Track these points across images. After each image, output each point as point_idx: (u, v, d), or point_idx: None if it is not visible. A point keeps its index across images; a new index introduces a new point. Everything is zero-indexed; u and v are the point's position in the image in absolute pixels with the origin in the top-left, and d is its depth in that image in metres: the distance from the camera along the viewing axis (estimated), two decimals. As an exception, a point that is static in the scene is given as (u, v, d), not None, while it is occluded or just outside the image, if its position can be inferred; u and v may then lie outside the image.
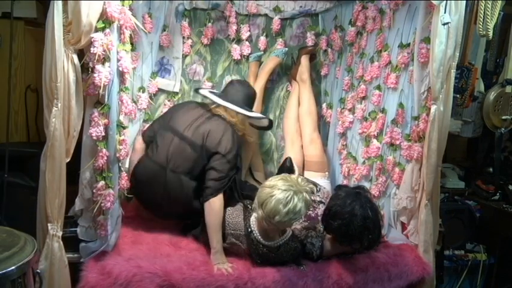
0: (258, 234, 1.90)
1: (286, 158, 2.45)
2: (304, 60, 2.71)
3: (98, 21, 1.66)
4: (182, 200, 2.08)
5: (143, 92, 2.45)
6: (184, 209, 2.11)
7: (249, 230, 1.92)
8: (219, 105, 2.16)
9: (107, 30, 1.70)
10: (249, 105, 2.25)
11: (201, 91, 2.34)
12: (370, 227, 1.89)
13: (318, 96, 2.85)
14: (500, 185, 2.90)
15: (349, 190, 2.01)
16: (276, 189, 1.77)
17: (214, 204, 1.95)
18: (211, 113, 2.17)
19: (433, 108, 1.98)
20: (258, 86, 2.61)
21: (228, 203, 2.06)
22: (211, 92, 2.30)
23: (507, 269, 2.77)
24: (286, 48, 2.74)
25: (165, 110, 2.56)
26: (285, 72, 2.84)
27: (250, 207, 2.01)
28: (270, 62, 2.69)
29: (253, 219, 1.94)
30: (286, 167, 2.37)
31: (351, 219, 1.87)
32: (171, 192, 2.07)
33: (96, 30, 1.68)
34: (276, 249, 1.89)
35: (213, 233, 1.94)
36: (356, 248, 1.97)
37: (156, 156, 2.09)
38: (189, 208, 2.09)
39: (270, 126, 2.41)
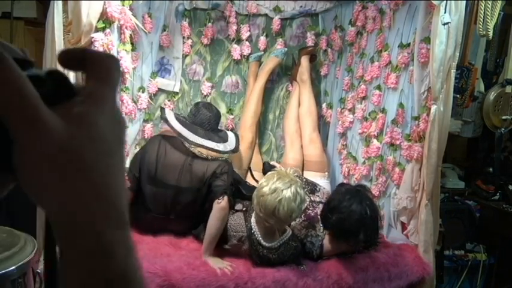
0: (259, 235, 1.90)
1: (264, 163, 2.40)
2: (304, 61, 2.72)
3: (98, 21, 1.67)
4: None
5: (143, 92, 2.45)
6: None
7: (250, 230, 1.92)
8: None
9: (107, 30, 1.71)
10: (216, 125, 2.25)
11: (172, 124, 2.13)
12: (367, 223, 1.89)
13: (318, 96, 2.85)
14: (500, 185, 2.90)
15: (350, 187, 2.03)
16: (279, 192, 1.77)
17: (223, 205, 1.96)
18: (191, 152, 2.12)
19: (433, 108, 1.98)
20: (258, 86, 2.61)
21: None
22: (177, 118, 2.18)
23: (507, 269, 2.77)
24: (286, 49, 2.74)
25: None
26: (284, 72, 2.84)
27: (250, 207, 2.02)
28: (270, 62, 2.69)
29: (253, 220, 1.94)
30: (267, 170, 2.34)
31: (349, 214, 1.87)
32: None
33: (97, 30, 1.68)
34: (276, 249, 1.89)
35: (214, 236, 1.94)
36: (352, 244, 1.97)
37: (155, 211, 2.11)
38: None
39: (235, 151, 2.28)
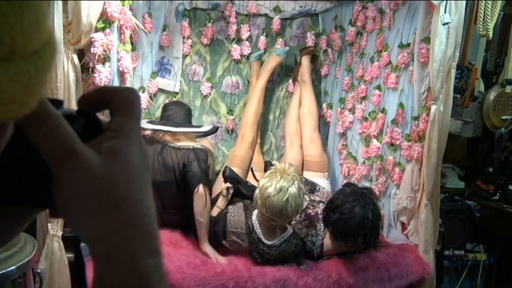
0: (260, 233, 1.90)
1: (266, 163, 2.37)
2: (305, 61, 2.71)
3: (98, 21, 1.67)
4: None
5: (143, 91, 2.45)
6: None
7: (251, 228, 1.93)
8: (165, 133, 2.13)
9: (107, 30, 1.71)
10: (189, 121, 2.26)
11: (145, 126, 2.18)
12: (367, 227, 1.89)
13: (318, 96, 2.85)
14: (500, 185, 2.90)
15: (356, 189, 2.02)
16: (285, 190, 1.78)
17: (203, 193, 1.97)
18: (161, 143, 2.13)
19: (433, 108, 1.98)
20: (259, 85, 2.61)
21: (229, 202, 2.07)
22: (151, 121, 2.26)
23: (507, 269, 2.77)
24: (288, 48, 2.74)
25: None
26: (285, 72, 2.84)
27: (251, 206, 2.02)
28: (272, 61, 2.69)
29: (254, 218, 1.94)
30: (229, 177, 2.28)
31: (350, 216, 1.87)
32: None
33: (96, 30, 1.68)
34: (277, 247, 1.89)
35: (203, 224, 1.96)
36: (350, 246, 1.97)
37: None
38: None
39: (214, 131, 2.32)
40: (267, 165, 2.30)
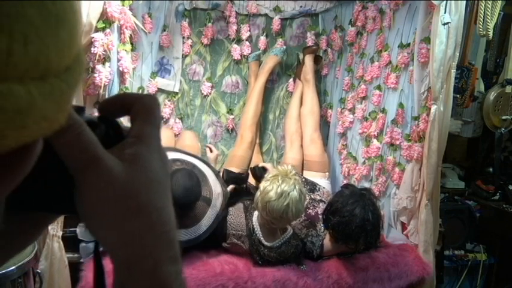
0: (260, 235, 1.90)
1: (254, 168, 2.33)
2: (308, 60, 2.70)
3: (98, 21, 1.67)
4: None
5: (142, 92, 2.45)
6: None
7: (251, 230, 1.92)
8: None
9: (107, 30, 1.71)
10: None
11: None
12: (368, 229, 1.88)
13: (318, 96, 2.85)
14: (500, 185, 2.90)
15: (355, 190, 2.01)
16: (286, 195, 1.76)
17: None
18: None
19: (433, 108, 1.98)
20: (258, 86, 2.61)
21: (229, 203, 2.05)
22: None
23: (507, 269, 2.77)
24: (285, 47, 2.74)
25: (165, 110, 2.57)
26: (284, 72, 2.84)
27: (251, 207, 2.02)
28: (270, 61, 2.69)
29: (255, 219, 1.94)
30: (259, 175, 2.25)
31: (350, 219, 1.87)
32: None
33: (97, 30, 1.68)
34: (277, 248, 1.89)
35: None
36: (351, 247, 1.97)
37: None
38: None
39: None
40: (256, 171, 2.28)
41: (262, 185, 1.85)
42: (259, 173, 2.22)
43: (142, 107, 0.36)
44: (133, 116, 0.36)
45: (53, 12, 0.23)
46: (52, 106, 0.25)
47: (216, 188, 1.94)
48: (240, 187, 2.25)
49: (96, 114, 0.37)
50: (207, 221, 1.89)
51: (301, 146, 2.58)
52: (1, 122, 0.22)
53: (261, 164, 2.35)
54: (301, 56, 2.79)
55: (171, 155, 1.94)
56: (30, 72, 0.22)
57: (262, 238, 1.89)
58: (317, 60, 2.79)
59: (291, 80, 2.83)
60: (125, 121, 0.39)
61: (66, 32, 0.25)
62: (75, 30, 0.26)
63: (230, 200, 2.12)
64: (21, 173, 0.28)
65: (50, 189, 0.33)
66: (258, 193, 1.85)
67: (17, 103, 0.22)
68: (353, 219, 1.86)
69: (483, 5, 2.13)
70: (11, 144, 0.23)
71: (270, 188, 1.78)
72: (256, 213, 1.93)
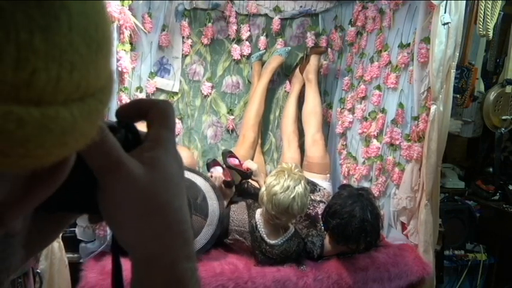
0: (263, 232, 1.91)
1: (207, 163, 2.32)
2: (314, 60, 2.67)
3: (97, 21, 1.67)
4: None
5: (140, 91, 2.44)
6: None
7: (254, 227, 1.93)
8: None
9: (107, 30, 1.71)
10: None
11: None
12: (367, 229, 1.89)
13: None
14: (500, 185, 2.90)
15: (352, 190, 2.01)
16: (292, 189, 1.81)
17: None
18: None
19: (433, 108, 1.98)
20: (261, 86, 2.60)
21: (232, 201, 2.07)
22: None
23: (507, 269, 2.77)
24: (289, 47, 2.73)
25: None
26: (285, 72, 2.84)
27: (253, 205, 2.03)
28: (273, 61, 2.67)
29: (258, 217, 1.95)
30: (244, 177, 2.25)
31: (350, 220, 1.87)
32: None
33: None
34: (279, 246, 1.90)
35: None
36: (352, 248, 1.97)
37: None
38: None
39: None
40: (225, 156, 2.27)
41: (268, 179, 1.90)
42: (224, 159, 2.25)
43: (159, 112, 0.38)
44: (149, 121, 0.38)
45: (95, 39, 0.25)
46: (89, 124, 0.27)
47: (213, 207, 1.94)
48: (242, 187, 2.25)
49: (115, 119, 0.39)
50: (204, 238, 1.90)
51: (299, 146, 2.58)
52: (49, 142, 0.23)
53: (248, 165, 2.25)
54: (300, 56, 2.78)
55: None
56: (72, 95, 0.24)
57: (264, 235, 1.90)
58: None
59: (288, 80, 2.82)
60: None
61: (103, 56, 0.27)
62: (110, 53, 0.28)
63: (232, 199, 2.13)
64: (58, 182, 0.30)
65: (74, 190, 0.35)
66: (263, 188, 1.90)
67: (63, 124, 0.24)
68: (352, 220, 1.86)
69: (483, 5, 2.13)
70: (53, 160, 0.25)
71: (276, 182, 1.84)
72: (259, 210, 1.95)
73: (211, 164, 2.26)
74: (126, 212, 0.35)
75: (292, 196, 1.79)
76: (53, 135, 0.23)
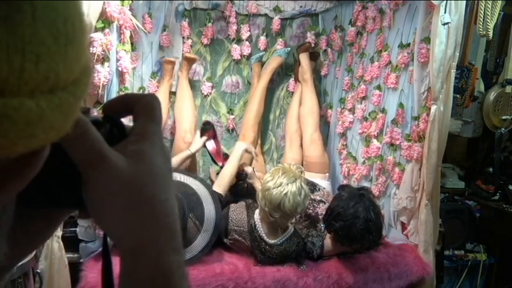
0: (262, 231, 1.91)
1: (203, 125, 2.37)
2: (304, 59, 2.68)
3: (97, 21, 1.67)
4: None
5: (143, 92, 2.45)
6: None
7: (253, 227, 1.93)
8: None
9: (107, 30, 1.71)
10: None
11: None
12: (371, 229, 1.89)
13: (318, 96, 2.84)
14: (500, 185, 2.90)
15: (353, 191, 2.00)
16: (284, 186, 1.79)
17: None
18: None
19: (433, 108, 1.98)
20: (261, 86, 2.60)
21: (231, 200, 2.07)
22: None
23: (507, 269, 2.77)
24: (289, 48, 2.74)
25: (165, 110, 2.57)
26: (285, 72, 2.84)
27: (253, 205, 2.03)
28: (273, 62, 2.68)
29: (257, 216, 1.95)
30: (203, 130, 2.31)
31: (354, 221, 1.86)
32: None
33: (96, 30, 1.68)
34: (279, 245, 1.90)
35: None
36: (357, 248, 1.97)
37: None
38: None
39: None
40: (202, 127, 2.32)
41: (264, 176, 1.91)
42: (204, 129, 2.28)
43: (144, 106, 0.38)
44: (135, 114, 0.38)
45: (63, 33, 0.25)
46: (60, 117, 0.26)
47: (210, 213, 1.94)
48: (242, 187, 2.25)
49: (95, 114, 0.39)
50: (200, 244, 1.90)
51: (301, 146, 2.58)
52: (13, 132, 0.23)
53: (244, 168, 2.26)
54: (296, 56, 2.79)
55: None
56: (40, 87, 0.24)
57: (263, 235, 1.90)
58: (314, 57, 2.78)
59: (291, 80, 2.83)
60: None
61: (74, 49, 0.26)
62: (82, 46, 0.28)
63: (232, 199, 2.13)
64: (30, 175, 0.30)
65: (60, 185, 0.35)
66: (259, 186, 1.90)
67: (28, 115, 0.24)
68: (356, 221, 1.86)
69: (483, 5, 2.13)
70: (21, 151, 0.25)
71: (270, 178, 1.84)
72: (257, 210, 1.95)
73: (206, 133, 2.28)
74: (110, 204, 0.35)
75: (284, 192, 1.78)
76: (17, 126, 0.23)
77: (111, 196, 0.35)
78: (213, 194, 1.99)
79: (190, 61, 2.54)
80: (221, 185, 2.13)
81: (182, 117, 2.45)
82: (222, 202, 2.05)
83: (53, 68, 0.25)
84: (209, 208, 1.93)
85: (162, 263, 0.36)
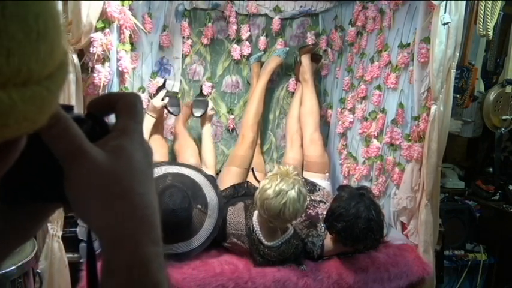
0: (260, 234, 1.89)
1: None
2: (305, 60, 2.69)
3: (97, 21, 1.67)
4: None
5: (143, 92, 2.45)
6: None
7: (251, 230, 1.92)
8: None
9: (107, 30, 1.71)
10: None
11: None
12: (373, 228, 1.88)
13: (318, 96, 2.84)
14: (500, 185, 2.90)
15: (353, 191, 2.00)
16: (284, 194, 1.75)
17: None
18: None
19: (433, 108, 1.98)
20: (260, 86, 2.60)
21: (229, 202, 2.06)
22: None
23: (507, 269, 2.77)
24: (288, 48, 2.74)
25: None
26: (285, 72, 2.84)
27: (251, 206, 2.02)
28: (272, 62, 2.68)
29: (255, 219, 1.93)
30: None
31: (355, 221, 1.86)
32: None
33: (96, 30, 1.68)
34: (277, 248, 1.89)
35: None
36: (358, 248, 1.97)
37: None
38: None
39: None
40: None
41: (262, 182, 1.86)
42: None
43: (126, 104, 0.40)
44: (117, 112, 0.40)
45: (34, 29, 0.26)
46: (33, 109, 0.27)
47: (211, 197, 1.95)
48: (242, 186, 2.25)
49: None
50: (206, 230, 1.90)
51: (302, 146, 2.58)
52: None
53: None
54: (297, 57, 2.79)
55: (162, 170, 1.95)
56: (12, 79, 0.25)
57: (262, 237, 1.89)
58: (316, 59, 2.79)
59: (291, 80, 2.83)
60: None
61: (47, 45, 0.28)
62: (56, 42, 0.29)
63: (231, 199, 2.12)
64: (6, 165, 0.31)
65: (44, 180, 0.37)
66: (257, 192, 1.86)
67: (0, 106, 0.25)
68: (358, 221, 1.86)
69: (483, 5, 2.13)
70: None
71: (268, 186, 1.78)
72: (256, 212, 1.93)
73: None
74: (90, 198, 0.36)
75: (283, 202, 1.73)
76: None
77: (90, 189, 0.36)
78: (207, 177, 2.02)
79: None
80: (208, 165, 2.28)
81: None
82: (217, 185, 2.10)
83: (24, 61, 0.26)
84: (209, 192, 1.95)
85: (141, 253, 0.37)
